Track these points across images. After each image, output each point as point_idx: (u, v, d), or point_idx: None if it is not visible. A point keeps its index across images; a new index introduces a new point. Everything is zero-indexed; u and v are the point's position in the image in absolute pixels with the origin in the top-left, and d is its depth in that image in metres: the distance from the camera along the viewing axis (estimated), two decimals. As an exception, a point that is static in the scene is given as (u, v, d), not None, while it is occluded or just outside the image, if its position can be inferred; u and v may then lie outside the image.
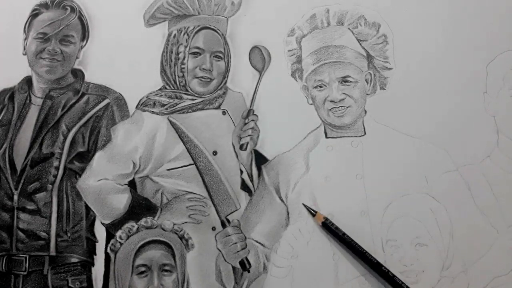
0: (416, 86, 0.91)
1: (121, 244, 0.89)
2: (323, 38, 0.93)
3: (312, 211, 0.88)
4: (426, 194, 0.87)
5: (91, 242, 0.95)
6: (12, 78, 1.01)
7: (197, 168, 0.94)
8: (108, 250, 0.90)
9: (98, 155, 0.96)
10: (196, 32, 0.97)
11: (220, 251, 0.90)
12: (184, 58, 0.96)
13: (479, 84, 0.90)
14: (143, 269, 0.87)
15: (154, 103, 0.96)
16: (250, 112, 0.95)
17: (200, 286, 0.90)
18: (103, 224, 0.94)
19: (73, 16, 1.01)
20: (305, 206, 0.89)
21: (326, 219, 0.87)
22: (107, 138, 0.97)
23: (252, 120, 0.94)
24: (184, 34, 0.97)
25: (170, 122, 0.95)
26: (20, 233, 0.95)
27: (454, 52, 0.92)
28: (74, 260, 0.95)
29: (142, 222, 0.90)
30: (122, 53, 0.99)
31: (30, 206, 0.95)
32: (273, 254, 0.89)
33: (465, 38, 0.92)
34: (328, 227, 0.86)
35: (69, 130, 0.97)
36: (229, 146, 0.95)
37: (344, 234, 0.85)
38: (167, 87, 0.97)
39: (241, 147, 0.94)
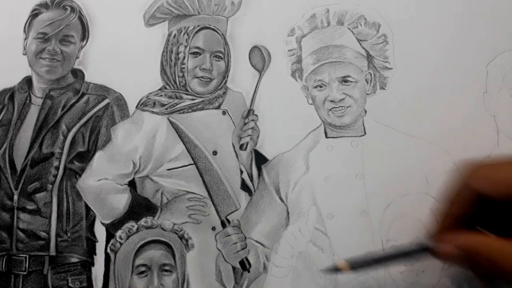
0: (416, 86, 0.91)
1: (121, 244, 0.89)
2: (323, 38, 0.93)
3: (335, 268, 0.74)
4: (426, 194, 0.87)
5: (91, 242, 0.95)
6: (12, 78, 1.01)
7: (197, 168, 0.94)
8: (108, 250, 0.91)
9: (98, 155, 0.96)
10: (196, 32, 0.97)
11: (220, 251, 0.90)
12: (184, 58, 0.96)
13: (479, 84, 0.90)
14: (143, 269, 0.87)
15: (154, 103, 0.96)
16: (250, 112, 0.94)
17: (200, 286, 0.90)
18: (103, 224, 0.94)
19: (73, 16, 1.01)
20: (324, 270, 0.79)
21: (349, 262, 0.74)
22: (107, 138, 0.97)
23: (252, 120, 0.94)
24: (184, 34, 0.97)
25: (170, 122, 0.95)
26: (20, 233, 0.95)
27: (454, 52, 0.91)
28: (74, 260, 0.95)
29: (142, 222, 0.90)
30: (122, 53, 0.99)
31: (30, 206, 0.95)
32: (273, 254, 0.89)
33: (465, 38, 0.92)
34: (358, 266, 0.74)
35: (69, 130, 0.97)
36: (229, 146, 0.95)
37: (371, 259, 0.75)
38: (167, 87, 0.97)
39: (241, 147, 0.94)
